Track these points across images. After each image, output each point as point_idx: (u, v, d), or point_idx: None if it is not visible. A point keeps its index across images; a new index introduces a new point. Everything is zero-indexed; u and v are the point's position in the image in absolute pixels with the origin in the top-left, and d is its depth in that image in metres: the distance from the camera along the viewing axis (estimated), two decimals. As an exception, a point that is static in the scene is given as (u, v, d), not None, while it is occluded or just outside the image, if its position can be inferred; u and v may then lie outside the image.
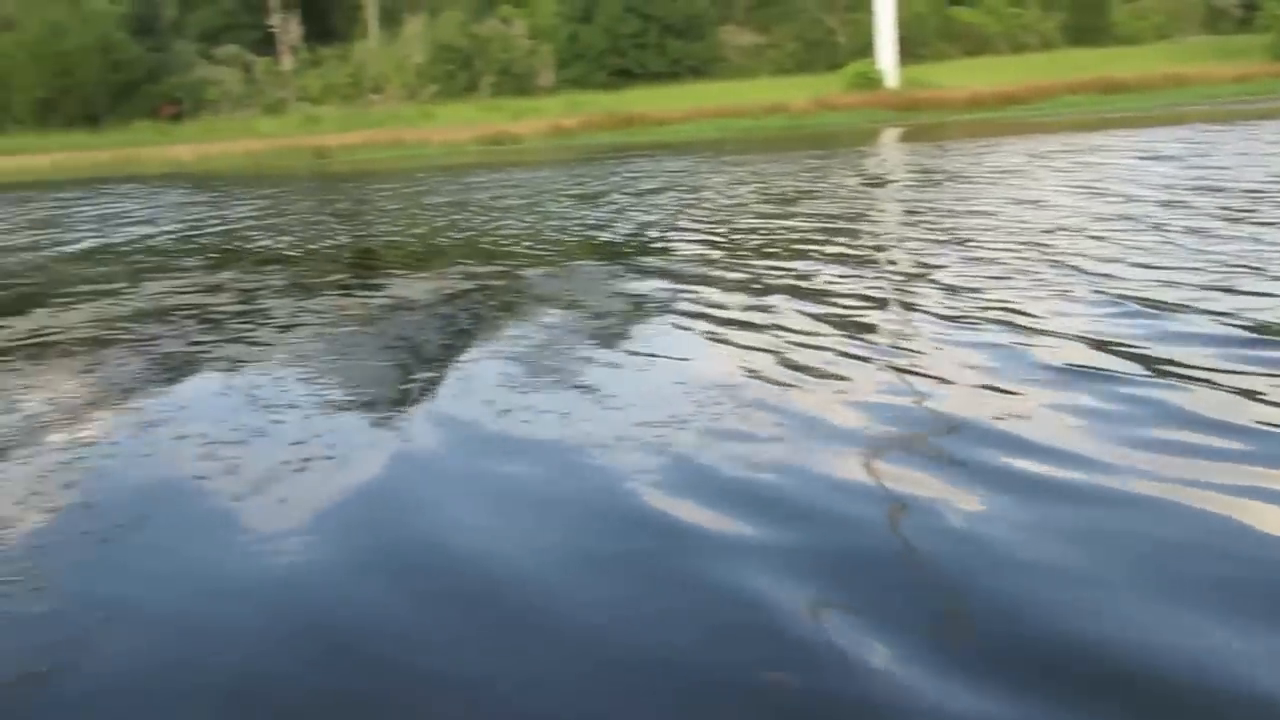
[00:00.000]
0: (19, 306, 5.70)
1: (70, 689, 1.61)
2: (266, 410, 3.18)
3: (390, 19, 46.45)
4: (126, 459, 2.77)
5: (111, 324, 4.92)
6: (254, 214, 11.47)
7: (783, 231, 6.66)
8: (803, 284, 4.69)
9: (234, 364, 3.87)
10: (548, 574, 1.91)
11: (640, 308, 4.50)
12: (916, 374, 3.06)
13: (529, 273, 5.74)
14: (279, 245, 7.98)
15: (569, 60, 43.64)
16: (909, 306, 4.04)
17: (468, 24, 43.77)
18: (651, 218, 8.09)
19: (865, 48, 37.97)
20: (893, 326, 3.78)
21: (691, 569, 1.88)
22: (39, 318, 5.21)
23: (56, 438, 2.99)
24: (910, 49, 37.49)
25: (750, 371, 3.22)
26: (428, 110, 40.11)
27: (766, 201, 8.74)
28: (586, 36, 43.11)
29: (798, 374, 3.17)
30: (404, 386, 3.41)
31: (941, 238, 5.77)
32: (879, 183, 10.63)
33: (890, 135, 22.09)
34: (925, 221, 6.57)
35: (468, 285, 5.39)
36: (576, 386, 3.21)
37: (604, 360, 3.55)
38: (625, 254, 6.26)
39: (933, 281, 4.49)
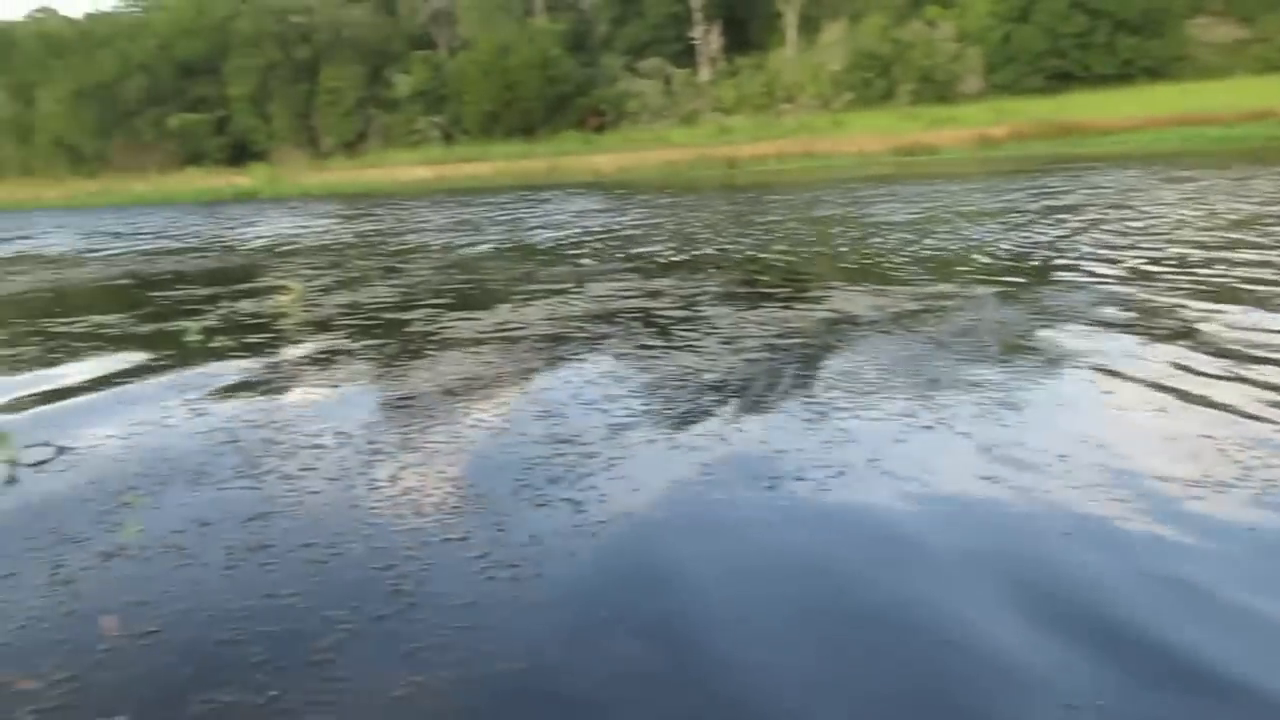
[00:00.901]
0: (483, 302, 6.40)
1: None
2: (723, 421, 3.24)
3: (809, 27, 47.29)
4: (601, 461, 2.91)
5: (565, 322, 5.34)
6: (665, 221, 12.11)
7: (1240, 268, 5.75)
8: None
9: (688, 371, 4.00)
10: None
11: (1092, 349, 4.05)
12: None
13: (980, 292, 5.44)
14: (702, 253, 8.31)
15: (999, 64, 41.67)
16: None
17: (890, 28, 43.35)
18: (1109, 240, 7.38)
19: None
20: None
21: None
22: (502, 313, 5.79)
23: (535, 429, 3.25)
24: None
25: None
26: (840, 119, 40.28)
27: (1220, 228, 7.64)
28: (1021, 37, 40.90)
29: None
30: (860, 406, 3.31)
31: None
32: None
33: None
34: None
35: (914, 305, 5.20)
36: (1063, 432, 2.93)
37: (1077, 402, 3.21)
38: (1082, 280, 5.74)
39: None
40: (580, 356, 4.39)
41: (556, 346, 4.67)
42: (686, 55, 50.16)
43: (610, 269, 7.73)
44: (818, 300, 5.56)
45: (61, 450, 3.29)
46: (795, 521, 2.37)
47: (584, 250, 9.32)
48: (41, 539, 2.45)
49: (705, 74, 49.81)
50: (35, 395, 4.22)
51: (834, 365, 3.95)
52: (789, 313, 5.25)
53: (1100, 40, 39.81)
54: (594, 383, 3.87)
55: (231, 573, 2.18)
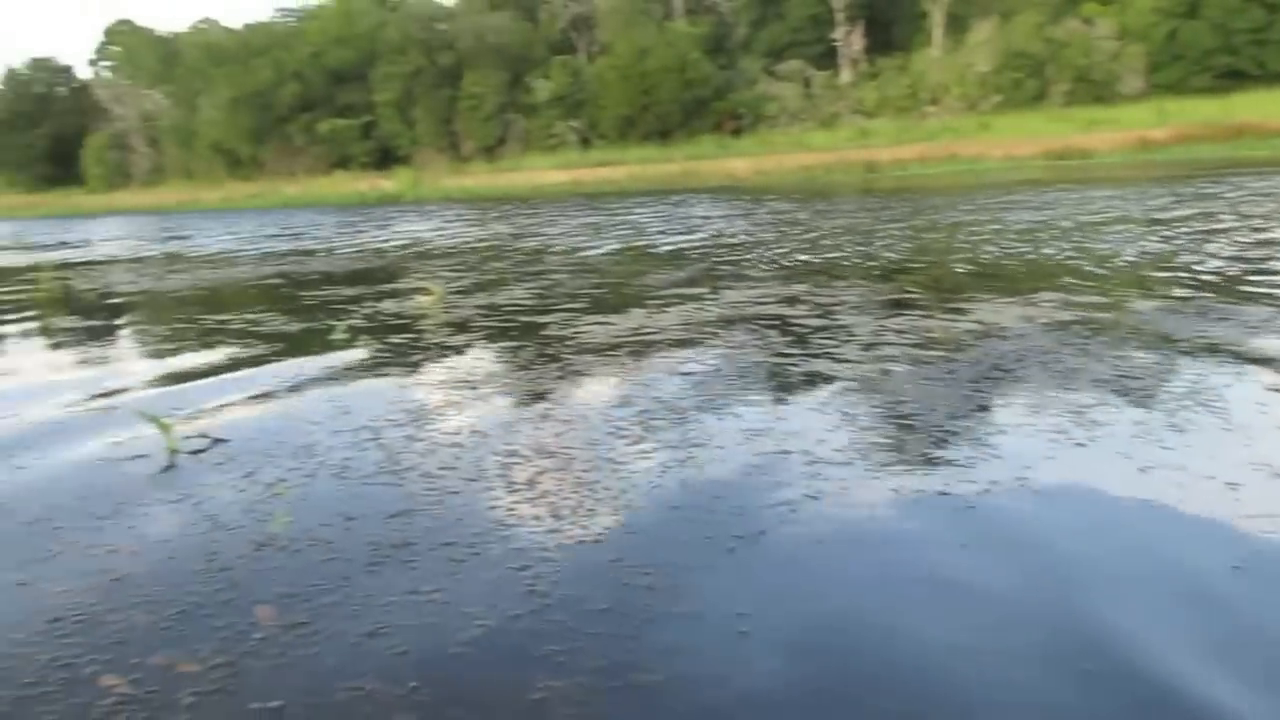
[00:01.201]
0: (618, 306, 6.47)
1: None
2: (868, 431, 3.18)
3: (956, 26, 46.11)
4: (734, 467, 2.90)
5: (700, 328, 5.35)
6: (801, 226, 11.98)
7: None
8: None
9: (824, 379, 3.95)
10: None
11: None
12: None
13: (1142, 307, 5.19)
14: (840, 259, 8.19)
15: (1164, 62, 39.77)
16: None
17: (1044, 26, 41.89)
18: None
19: None
20: None
21: None
22: (637, 318, 5.84)
23: (668, 435, 3.26)
24: None
25: None
26: (986, 122, 39.15)
27: None
28: (1189, 33, 38.95)
29: None
30: (1011, 421, 3.20)
31: None
32: None
33: None
34: None
35: (1066, 315, 5.01)
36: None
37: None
38: (1258, 293, 5.41)
39: None
40: (716, 363, 4.39)
41: (692, 352, 4.68)
42: (827, 57, 49.66)
43: (745, 275, 7.70)
44: (962, 310, 5.41)
45: (216, 441, 3.47)
46: (936, 539, 2.31)
47: (718, 255, 9.32)
48: (198, 526, 2.59)
49: (846, 76, 49.21)
50: (193, 388, 4.47)
51: (978, 376, 3.84)
52: (931, 321, 5.12)
53: (1278, 36, 37.55)
54: (730, 390, 3.86)
55: (375, 568, 2.26)
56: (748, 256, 9.06)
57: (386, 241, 14.81)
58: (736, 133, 47.38)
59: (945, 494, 2.58)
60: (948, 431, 3.14)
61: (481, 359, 4.85)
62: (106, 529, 2.62)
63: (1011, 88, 41.74)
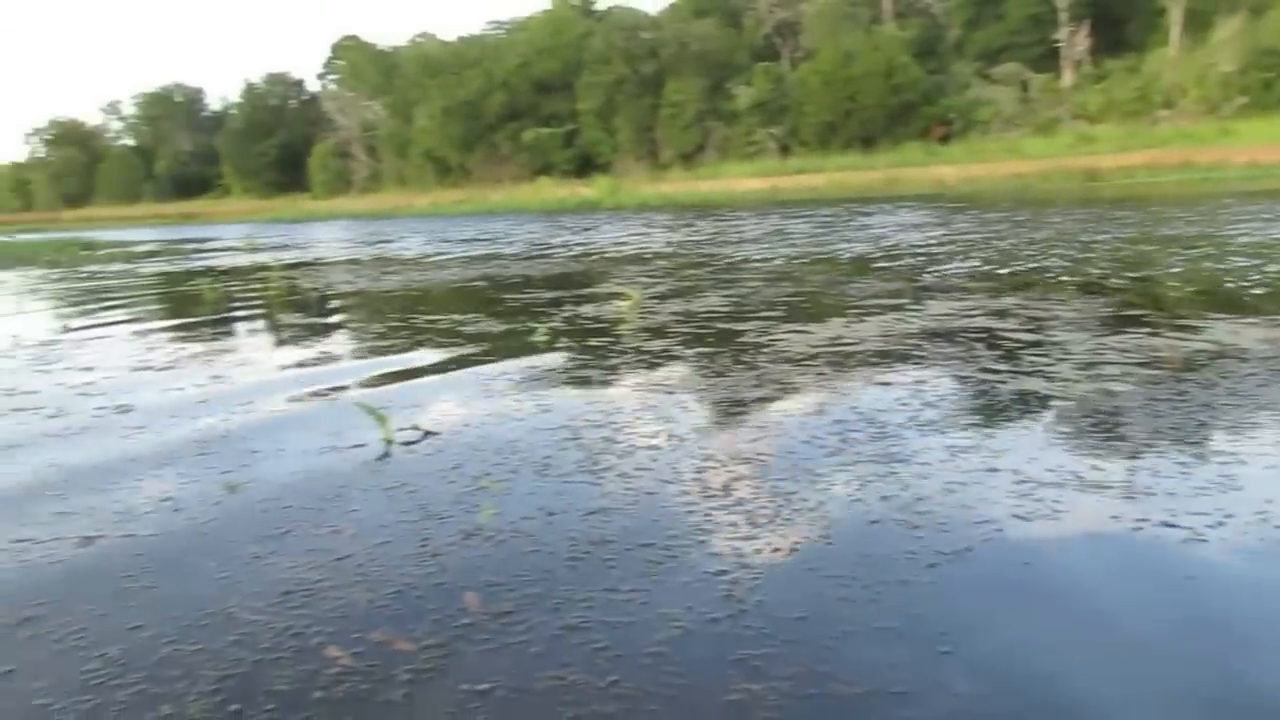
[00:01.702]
0: (816, 315, 6.42)
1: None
2: (1085, 453, 3.05)
3: (1197, 23, 43.13)
4: (939, 483, 2.84)
5: (902, 339, 5.25)
6: (1013, 236, 11.48)
7: None
8: None
9: (1037, 398, 3.81)
10: None
11: None
12: None
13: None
14: (1054, 271, 7.83)
15: None
16: None
17: (1298, 22, 38.63)
18: None
19: None
20: None
21: None
22: (835, 327, 5.79)
23: (868, 449, 3.22)
24: None
25: None
26: (1228, 127, 36.39)
27: None
28: None
29: None
30: (1252, 450, 2.98)
31: None
32: None
33: None
34: None
35: (1318, 338, 4.62)
36: None
37: None
38: None
39: None
40: (919, 377, 4.30)
41: (892, 365, 4.60)
42: (1046, 59, 47.52)
43: (950, 286, 7.48)
44: (1194, 329, 5.07)
45: (427, 434, 3.69)
46: (1160, 573, 2.19)
47: (921, 265, 9.09)
48: (412, 513, 2.77)
49: (1067, 78, 46.91)
50: (405, 384, 4.76)
51: (1213, 401, 3.60)
52: (1157, 340, 4.83)
53: None
54: (933, 404, 3.78)
55: (575, 564, 2.35)
56: (953, 267, 8.80)
57: (585, 247, 15.23)
58: (945, 139, 45.99)
59: (1171, 525, 2.44)
60: (1177, 458, 2.96)
61: (678, 364, 4.93)
62: (329, 511, 2.83)
63: (1260, 89, 38.65)
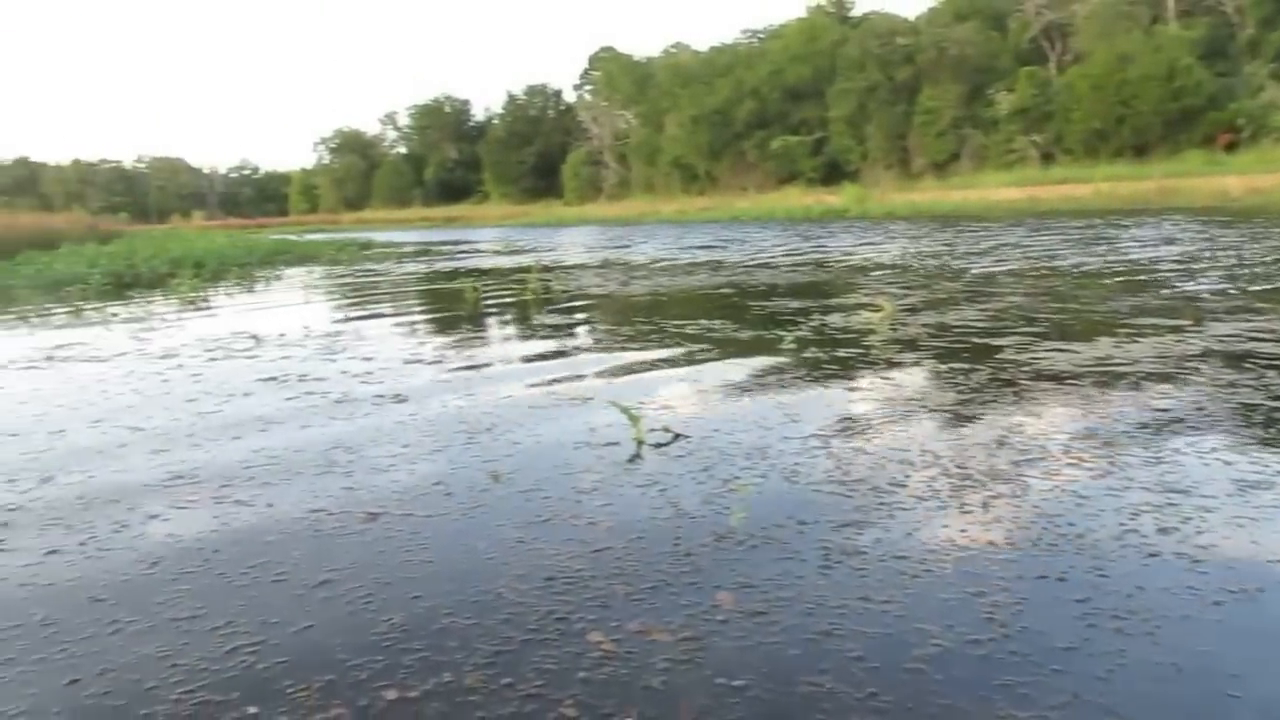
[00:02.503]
0: (1082, 333, 6.08)
1: None
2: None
3: None
4: (1225, 517, 2.63)
5: (1180, 362, 4.88)
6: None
7: None
8: None
9: (1342, 432, 3.45)
10: None
11: None
12: None
13: None
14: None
15: None
16: None
17: None
18: None
19: None
20: None
21: None
22: (1104, 346, 5.46)
23: (1142, 475, 3.03)
24: None
25: None
26: None
27: None
28: None
29: None
30: None
31: None
32: None
33: None
34: None
35: None
36: None
37: None
38: None
39: None
40: (1199, 403, 3.99)
41: (1170, 388, 4.29)
42: (1357, 58, 42.71)
43: (1236, 305, 6.89)
44: None
45: (677, 436, 3.77)
46: None
47: (1203, 281, 8.41)
48: (664, 511, 2.84)
49: (1382, 79, 42.00)
50: (655, 385, 4.88)
51: None
52: None
53: None
54: (1216, 433, 3.50)
55: (827, 571, 2.35)
56: (1240, 285, 8.09)
57: (831, 255, 15.06)
58: (1232, 147, 42.17)
59: None
60: None
61: (931, 378, 4.80)
62: (585, 504, 2.95)
63: None
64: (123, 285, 13.92)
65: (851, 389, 4.64)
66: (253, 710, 1.78)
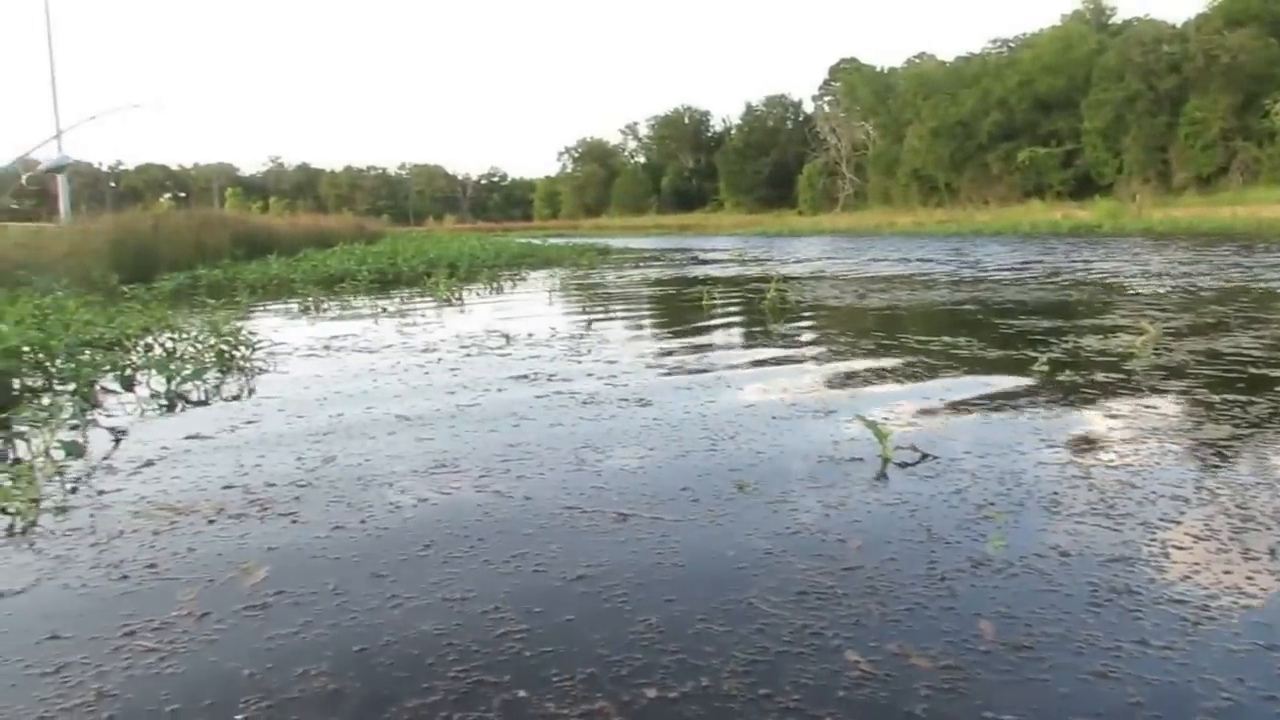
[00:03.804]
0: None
1: None
2: None
3: None
4: None
5: None
6: None
7: None
8: None
9: None
10: None
11: None
12: None
13: None
14: None
15: None
16: None
17: None
18: None
19: None
20: None
21: None
22: None
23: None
24: None
25: None
26: None
27: None
28: None
29: None
30: None
31: None
32: None
33: None
34: None
35: None
36: None
37: None
38: None
39: None
40: None
41: None
42: None
43: None
44: None
45: (924, 456, 3.66)
46: None
47: None
48: (916, 533, 2.76)
49: None
50: (901, 402, 4.76)
51: None
52: None
53: None
54: None
55: (1097, 609, 2.20)
56: None
57: (1083, 273, 14.21)
58: None
59: None
60: None
61: (1202, 410, 4.44)
62: (833, 519, 2.91)
63: None
64: (386, 282, 14.97)
65: (1112, 416, 4.36)
66: (522, 694, 1.86)
